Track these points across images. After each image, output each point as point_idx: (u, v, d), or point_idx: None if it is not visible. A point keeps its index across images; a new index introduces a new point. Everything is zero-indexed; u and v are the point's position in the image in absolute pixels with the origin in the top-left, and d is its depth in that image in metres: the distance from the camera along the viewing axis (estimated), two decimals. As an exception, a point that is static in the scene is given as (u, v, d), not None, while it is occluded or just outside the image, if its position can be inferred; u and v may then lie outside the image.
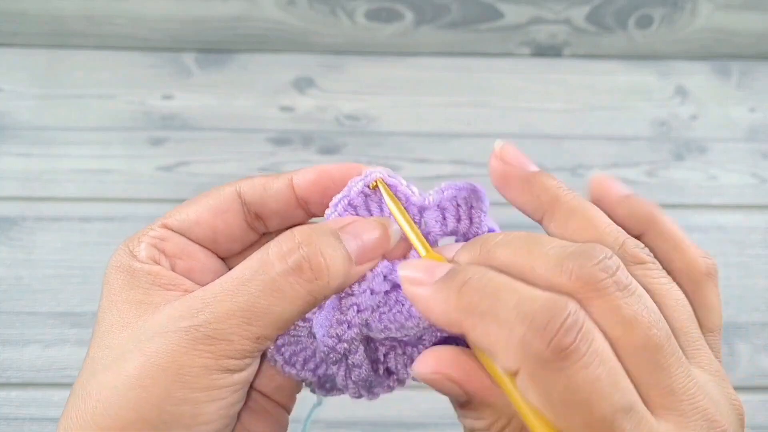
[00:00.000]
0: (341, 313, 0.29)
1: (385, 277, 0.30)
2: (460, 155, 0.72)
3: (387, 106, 0.74)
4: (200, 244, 0.32)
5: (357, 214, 0.31)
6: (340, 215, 0.31)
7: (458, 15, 0.74)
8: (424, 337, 0.31)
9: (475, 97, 0.75)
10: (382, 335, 0.30)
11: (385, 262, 0.30)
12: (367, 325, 0.30)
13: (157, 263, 0.30)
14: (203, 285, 0.29)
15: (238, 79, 0.74)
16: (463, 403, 0.27)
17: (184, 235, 0.31)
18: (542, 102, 0.75)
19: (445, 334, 0.31)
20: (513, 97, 0.75)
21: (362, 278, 0.30)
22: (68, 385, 0.64)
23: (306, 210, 0.32)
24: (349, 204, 0.31)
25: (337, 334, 0.29)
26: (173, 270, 0.30)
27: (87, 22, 0.74)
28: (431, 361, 0.27)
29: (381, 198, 0.31)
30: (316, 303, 0.28)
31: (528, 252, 0.26)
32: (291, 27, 0.74)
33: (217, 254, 0.32)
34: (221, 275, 0.29)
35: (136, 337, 0.27)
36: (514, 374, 0.24)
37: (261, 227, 0.33)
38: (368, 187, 0.31)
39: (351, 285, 0.30)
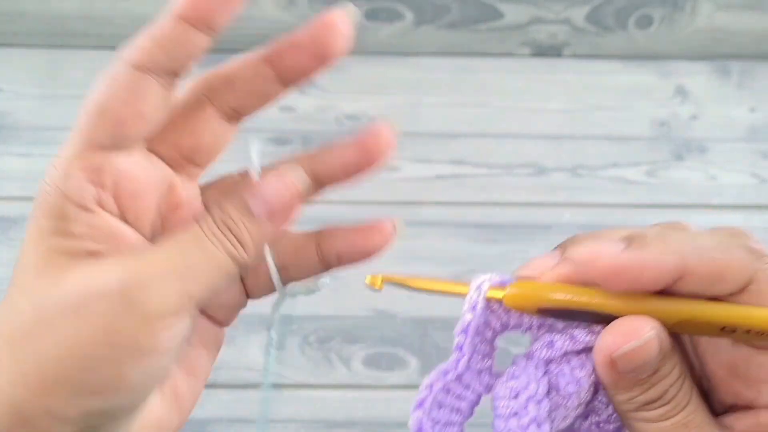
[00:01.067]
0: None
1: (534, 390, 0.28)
2: (460, 155, 0.72)
3: (386, 105, 0.74)
4: (135, 144, 0.28)
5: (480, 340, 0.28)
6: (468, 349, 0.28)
7: (458, 15, 0.74)
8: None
9: (475, 97, 0.74)
10: (569, 417, 0.28)
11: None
12: (552, 418, 0.27)
13: (96, 206, 0.27)
14: (150, 214, 0.28)
15: (238, 79, 0.74)
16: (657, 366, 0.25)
17: (116, 147, 0.27)
18: (542, 102, 0.74)
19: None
20: (513, 97, 0.74)
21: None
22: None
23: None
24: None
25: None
26: (117, 200, 0.28)
27: (87, 22, 0.74)
28: (627, 331, 0.25)
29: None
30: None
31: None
32: (291, 27, 0.73)
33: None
34: (162, 191, 0.29)
35: (54, 301, 0.26)
36: (742, 291, 0.24)
37: (176, 83, 0.28)
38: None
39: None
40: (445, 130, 0.73)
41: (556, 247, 0.28)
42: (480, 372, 0.28)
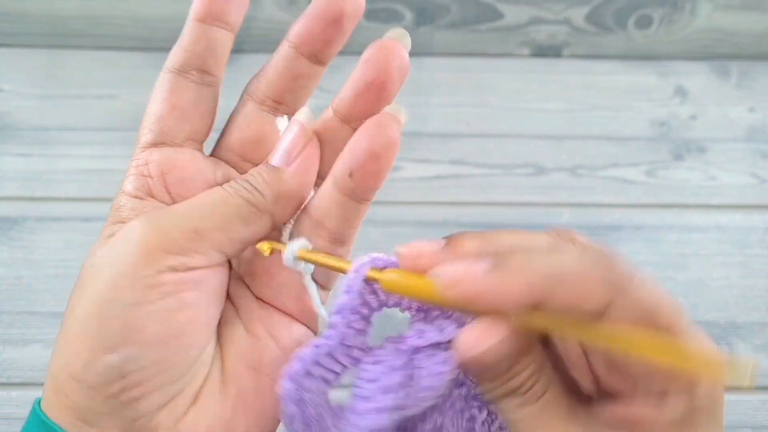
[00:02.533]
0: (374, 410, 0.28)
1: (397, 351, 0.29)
2: (460, 155, 0.71)
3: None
4: (185, 140, 0.31)
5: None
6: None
7: (458, 15, 0.73)
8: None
9: (475, 97, 0.74)
10: (422, 405, 0.29)
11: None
12: (403, 408, 0.28)
13: (147, 196, 0.30)
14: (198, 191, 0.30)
15: (240, 79, 0.73)
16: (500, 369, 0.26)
17: (164, 143, 0.31)
18: (542, 102, 0.74)
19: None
20: (512, 98, 0.74)
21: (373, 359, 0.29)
22: (69, 385, 0.63)
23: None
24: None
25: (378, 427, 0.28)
26: (166, 187, 0.30)
27: (88, 22, 0.73)
28: (479, 335, 0.26)
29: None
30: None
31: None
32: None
33: (198, 139, 0.32)
34: (211, 182, 0.31)
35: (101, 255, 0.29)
36: (600, 314, 0.24)
37: (212, 79, 0.32)
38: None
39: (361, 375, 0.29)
40: (445, 130, 0.72)
41: (444, 238, 0.29)
42: (351, 348, 0.29)
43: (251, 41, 0.74)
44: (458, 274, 0.25)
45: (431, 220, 0.69)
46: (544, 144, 0.72)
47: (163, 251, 0.27)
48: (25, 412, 0.61)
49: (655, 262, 0.68)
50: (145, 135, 0.31)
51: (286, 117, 0.33)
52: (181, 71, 0.31)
